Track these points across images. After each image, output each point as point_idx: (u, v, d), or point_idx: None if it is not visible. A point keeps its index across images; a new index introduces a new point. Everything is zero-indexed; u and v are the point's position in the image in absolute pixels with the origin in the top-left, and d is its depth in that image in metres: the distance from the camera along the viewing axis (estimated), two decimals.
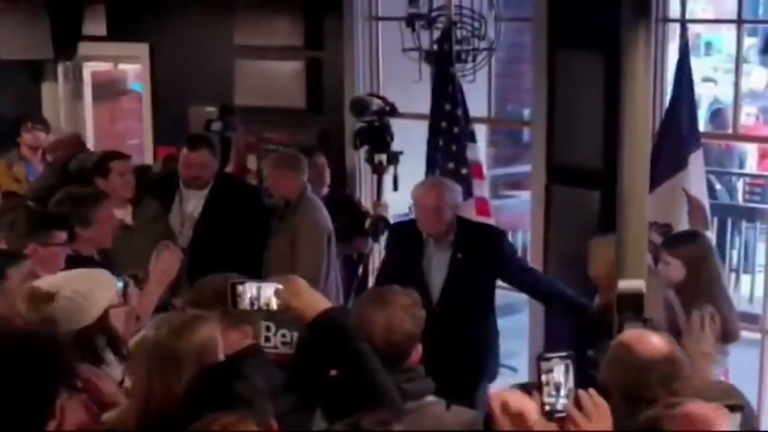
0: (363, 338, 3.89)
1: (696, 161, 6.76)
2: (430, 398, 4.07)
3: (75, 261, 5.74)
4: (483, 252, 6.88)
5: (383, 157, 7.99)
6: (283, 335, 5.34)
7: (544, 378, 3.07)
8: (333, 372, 3.86)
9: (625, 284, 5.28)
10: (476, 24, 7.83)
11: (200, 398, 3.44)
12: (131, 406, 3.85)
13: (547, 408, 3.05)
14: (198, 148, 7.92)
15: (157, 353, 3.82)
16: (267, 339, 5.14)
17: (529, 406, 3.04)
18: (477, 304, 6.87)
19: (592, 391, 3.10)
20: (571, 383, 3.07)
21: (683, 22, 7.01)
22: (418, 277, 6.60)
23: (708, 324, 5.91)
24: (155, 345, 3.84)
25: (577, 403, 3.02)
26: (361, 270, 8.07)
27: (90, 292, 4.57)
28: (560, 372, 3.08)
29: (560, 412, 3.06)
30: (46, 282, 4.62)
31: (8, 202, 7.44)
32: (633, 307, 5.14)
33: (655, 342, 4.17)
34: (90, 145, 11.14)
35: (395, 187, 7.94)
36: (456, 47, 7.71)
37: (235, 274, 4.34)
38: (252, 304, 3.76)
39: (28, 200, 7.43)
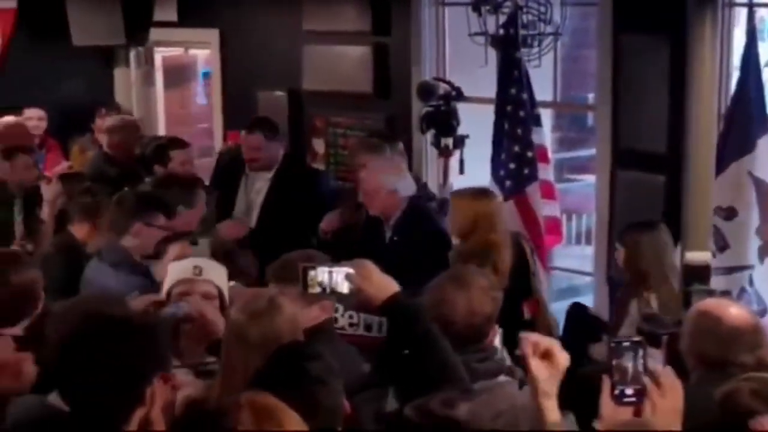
0: (442, 319, 3.88)
1: (765, 145, 6.62)
2: (503, 378, 4.06)
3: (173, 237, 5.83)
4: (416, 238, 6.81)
5: (449, 141, 7.96)
6: (351, 316, 5.38)
7: (614, 363, 3.04)
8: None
9: (691, 256, 5.24)
10: (542, 9, 7.76)
11: (273, 378, 3.41)
12: (217, 383, 3.88)
13: (617, 392, 3.02)
14: (253, 130, 8.08)
15: (236, 336, 3.85)
16: (335, 320, 5.10)
17: (558, 348, 3.03)
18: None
19: (668, 368, 3.07)
20: (641, 368, 3.03)
21: (750, 6, 6.88)
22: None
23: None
24: (235, 328, 3.88)
25: (655, 381, 2.99)
26: None
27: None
28: (630, 357, 3.05)
29: (630, 396, 3.02)
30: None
31: (73, 183, 7.46)
32: (700, 278, 5.00)
33: (737, 310, 4.17)
34: (161, 129, 11.42)
35: (461, 171, 7.92)
36: (522, 32, 7.65)
37: (316, 252, 4.41)
38: (323, 287, 3.73)
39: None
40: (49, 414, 3.54)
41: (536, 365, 3.04)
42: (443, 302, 4.02)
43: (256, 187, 8.09)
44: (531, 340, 3.07)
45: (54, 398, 3.59)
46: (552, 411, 3.06)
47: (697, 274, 5.16)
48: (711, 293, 5.05)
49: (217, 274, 4.93)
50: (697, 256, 5.23)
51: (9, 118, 9.54)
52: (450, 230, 6.82)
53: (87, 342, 3.17)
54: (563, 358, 3.08)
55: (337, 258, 4.05)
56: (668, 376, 3.02)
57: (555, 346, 3.09)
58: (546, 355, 3.05)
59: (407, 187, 7.06)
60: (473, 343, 4.03)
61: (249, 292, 4.43)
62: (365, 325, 5.43)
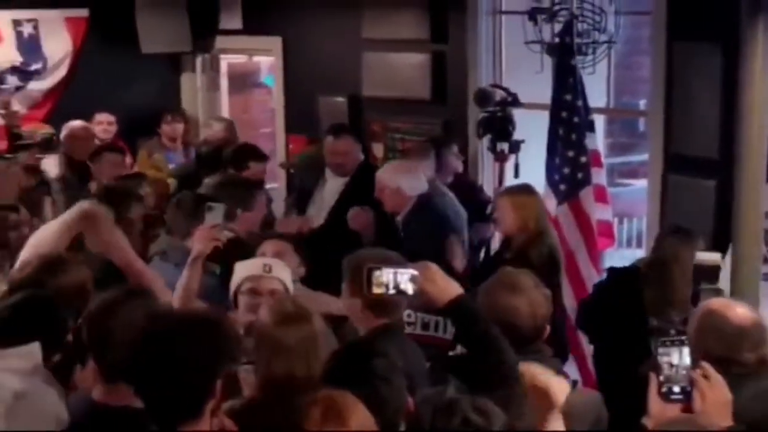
0: (506, 326, 3.92)
1: None
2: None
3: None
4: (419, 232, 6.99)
5: (505, 146, 7.94)
6: (408, 315, 5.37)
7: (660, 360, 3.05)
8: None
9: (701, 256, 5.22)
10: (597, 18, 7.73)
11: (339, 376, 3.46)
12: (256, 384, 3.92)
13: (664, 389, 3.03)
14: (341, 135, 8.07)
15: (263, 340, 3.90)
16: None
17: (556, 384, 3.05)
18: None
19: (707, 365, 3.09)
20: (687, 365, 3.03)
21: None
22: None
23: None
24: (263, 332, 3.93)
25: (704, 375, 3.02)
26: (483, 255, 8.01)
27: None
28: (677, 355, 3.06)
29: (677, 394, 3.03)
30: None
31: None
32: (708, 277, 5.10)
33: (742, 309, 4.18)
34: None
35: (516, 175, 7.89)
36: (577, 40, 7.61)
37: (392, 253, 4.46)
38: (387, 287, 3.75)
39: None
40: (102, 412, 3.67)
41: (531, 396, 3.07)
42: (505, 309, 4.06)
43: (330, 188, 8.09)
44: (529, 371, 3.05)
45: (98, 394, 3.73)
46: None
47: (707, 274, 5.15)
48: (718, 293, 5.04)
49: (284, 272, 4.98)
50: (707, 257, 5.24)
51: (76, 123, 9.63)
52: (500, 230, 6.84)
53: (160, 340, 3.22)
54: (560, 388, 3.04)
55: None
56: (712, 370, 3.04)
57: (552, 385, 3.06)
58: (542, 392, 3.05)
59: (413, 186, 7.22)
60: (532, 342, 4.08)
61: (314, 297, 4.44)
62: (422, 323, 5.44)
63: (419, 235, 6.99)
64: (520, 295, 4.09)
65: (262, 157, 8.26)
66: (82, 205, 5.08)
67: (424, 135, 9.18)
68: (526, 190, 7.01)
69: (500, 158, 7.97)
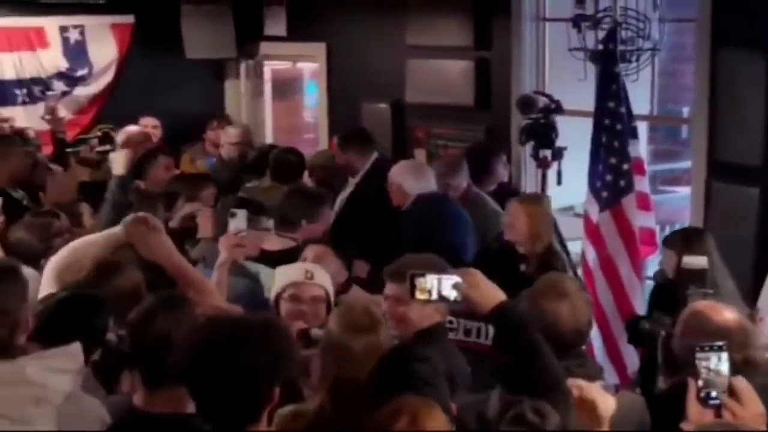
0: (549, 330, 3.98)
1: None
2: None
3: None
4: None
5: (548, 153, 7.98)
6: (450, 321, 5.40)
7: (699, 366, 3.11)
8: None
9: (689, 260, 5.29)
10: (641, 25, 7.74)
11: (383, 381, 3.49)
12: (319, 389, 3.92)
13: (702, 395, 3.08)
14: (344, 148, 8.47)
15: (331, 348, 3.92)
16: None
17: (602, 399, 3.13)
18: None
19: (741, 378, 3.12)
20: (726, 371, 3.09)
21: None
22: None
23: None
24: (330, 339, 3.95)
25: (731, 391, 3.06)
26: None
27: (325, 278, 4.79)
28: (715, 361, 3.12)
29: (715, 399, 3.08)
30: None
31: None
32: (697, 280, 5.13)
33: (727, 311, 4.21)
34: (269, 139, 11.53)
35: (559, 182, 7.96)
36: (620, 47, 7.61)
37: (437, 258, 4.52)
38: (431, 295, 3.76)
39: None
40: (142, 419, 3.71)
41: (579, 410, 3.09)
42: (547, 313, 4.11)
43: (348, 190, 8.34)
44: (577, 386, 3.12)
45: (139, 400, 3.79)
46: None
47: (695, 277, 5.18)
48: (706, 296, 5.02)
49: (325, 278, 5.03)
50: (695, 261, 5.28)
51: (133, 127, 9.73)
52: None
53: (221, 347, 3.25)
54: (607, 405, 3.10)
55: None
56: (743, 385, 3.09)
57: (599, 399, 3.11)
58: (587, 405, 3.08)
59: (415, 185, 7.41)
60: (574, 347, 4.14)
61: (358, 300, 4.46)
62: (464, 329, 5.52)
63: (412, 229, 7.09)
64: (563, 300, 4.15)
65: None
66: (130, 219, 5.12)
67: (467, 141, 9.23)
68: (539, 199, 7.06)
69: (543, 165, 8.00)
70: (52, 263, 5.00)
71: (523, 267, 6.63)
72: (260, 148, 9.48)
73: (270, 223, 6.37)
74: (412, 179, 7.49)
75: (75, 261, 4.92)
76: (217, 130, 10.20)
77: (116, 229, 5.12)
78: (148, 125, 10.37)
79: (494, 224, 7.31)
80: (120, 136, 9.40)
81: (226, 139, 9.77)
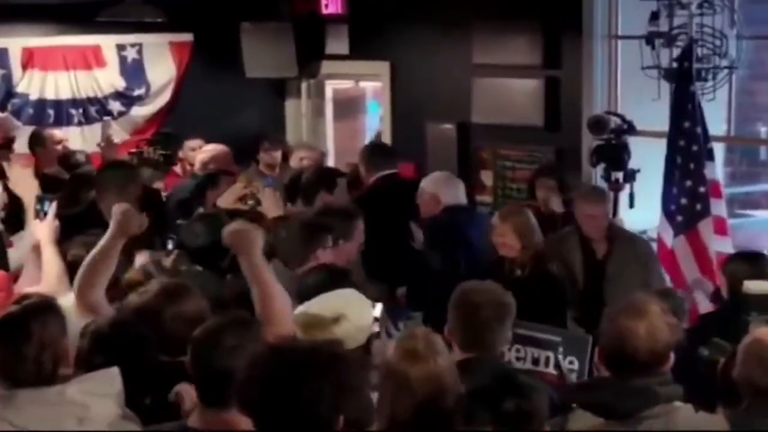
0: (625, 349, 4.12)
1: None
2: (678, 403, 4.18)
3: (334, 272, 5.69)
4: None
5: (620, 175, 7.99)
6: (518, 350, 5.54)
7: None
8: None
9: (752, 285, 5.19)
10: (717, 42, 7.73)
11: (471, 416, 3.54)
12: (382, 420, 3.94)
13: None
14: None
15: (389, 374, 3.92)
16: (501, 355, 5.16)
17: None
18: None
19: None
20: None
21: None
22: None
23: None
24: (389, 367, 3.95)
25: None
26: None
27: (362, 316, 4.62)
28: None
29: None
30: (316, 306, 4.63)
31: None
32: (761, 307, 5.04)
33: None
34: (331, 160, 11.51)
35: (631, 205, 7.95)
36: (696, 65, 7.63)
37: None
38: None
39: None
40: None
41: None
42: (624, 332, 4.18)
43: None
44: None
45: (194, 421, 3.88)
46: None
47: (758, 304, 5.07)
48: None
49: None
50: (757, 286, 5.19)
51: (214, 146, 9.69)
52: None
53: (285, 376, 3.29)
54: None
55: None
56: None
57: None
58: None
59: (450, 194, 7.66)
60: (655, 367, 4.19)
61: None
62: (532, 358, 5.57)
63: (441, 235, 7.39)
64: (641, 319, 4.19)
65: (340, 172, 8.41)
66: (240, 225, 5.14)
67: (536, 163, 9.26)
68: (519, 212, 7.08)
69: (615, 188, 8.00)
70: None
71: (518, 272, 6.82)
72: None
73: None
74: (446, 189, 7.68)
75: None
76: (270, 151, 10.06)
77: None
78: (195, 147, 10.20)
79: None
80: (201, 156, 9.44)
81: (311, 157, 9.75)
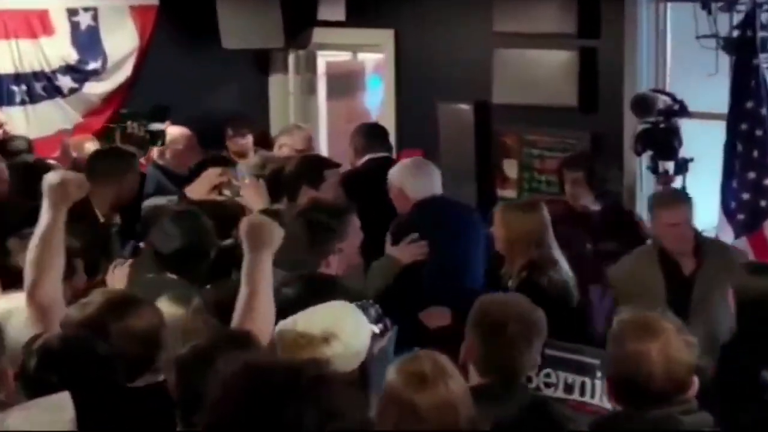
0: (639, 373, 4.19)
1: None
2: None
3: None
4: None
5: (670, 165, 8.04)
6: (548, 375, 5.56)
7: None
8: None
9: None
10: None
11: None
12: None
13: None
14: None
15: (392, 401, 3.96)
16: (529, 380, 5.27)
17: None
18: None
19: None
20: None
21: None
22: None
23: None
24: (391, 392, 3.99)
25: None
26: None
27: (356, 335, 4.57)
28: None
29: None
30: (303, 321, 4.57)
31: None
32: None
33: None
34: (323, 145, 11.67)
35: None
36: (761, 33, 7.61)
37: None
38: None
39: None
40: None
41: None
42: (636, 355, 4.21)
43: None
44: None
45: None
46: None
47: None
48: None
49: None
50: None
51: (173, 131, 9.80)
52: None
53: (262, 399, 3.27)
54: None
55: None
56: None
57: None
58: None
59: (418, 188, 7.59)
60: (675, 394, 4.22)
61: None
62: (565, 384, 5.59)
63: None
64: (654, 340, 4.21)
65: (333, 163, 8.30)
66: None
67: (569, 151, 9.27)
68: (528, 206, 7.05)
69: (664, 180, 8.06)
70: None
71: (510, 283, 6.81)
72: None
73: None
74: (413, 180, 7.64)
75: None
76: (235, 139, 10.33)
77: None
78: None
79: None
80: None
81: (291, 144, 9.83)
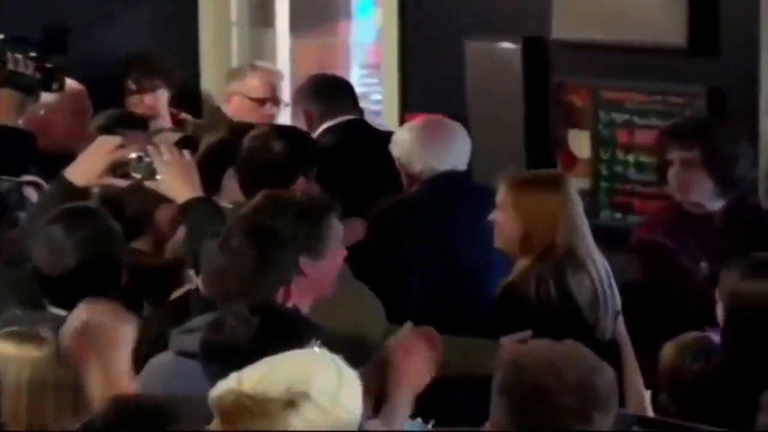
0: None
1: None
2: None
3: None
4: None
5: None
6: None
7: None
8: None
9: None
10: None
11: None
12: None
13: None
14: None
15: None
16: None
17: None
18: None
19: None
20: None
21: None
22: None
23: None
24: None
25: None
26: None
27: (337, 397, 4.47)
28: None
29: None
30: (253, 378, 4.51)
31: None
32: None
33: None
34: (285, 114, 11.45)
35: None
36: None
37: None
38: None
39: None
40: None
41: None
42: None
43: None
44: None
45: None
46: None
47: None
48: None
49: None
50: None
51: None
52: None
53: None
54: None
55: None
56: None
57: None
58: None
59: (428, 162, 8.05)
60: None
61: None
62: None
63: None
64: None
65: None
66: None
67: (672, 116, 9.04)
68: (549, 180, 7.46)
69: None
70: None
71: None
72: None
73: None
74: (419, 151, 8.08)
75: None
76: (140, 94, 10.47)
77: None
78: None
79: None
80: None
81: (246, 92, 10.20)
